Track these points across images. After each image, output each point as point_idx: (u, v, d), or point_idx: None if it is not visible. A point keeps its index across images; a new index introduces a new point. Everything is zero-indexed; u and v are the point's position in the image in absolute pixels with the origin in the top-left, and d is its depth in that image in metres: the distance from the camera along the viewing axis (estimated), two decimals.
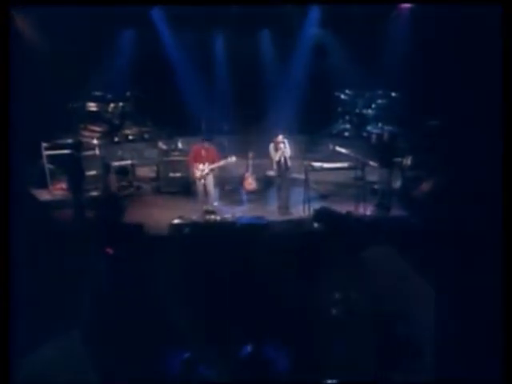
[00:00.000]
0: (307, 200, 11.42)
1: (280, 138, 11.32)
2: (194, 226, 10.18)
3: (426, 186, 11.38)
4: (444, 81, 13.69)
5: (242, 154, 12.57)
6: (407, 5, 15.02)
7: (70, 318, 6.40)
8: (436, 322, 6.05)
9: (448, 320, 6.17)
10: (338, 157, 12.10)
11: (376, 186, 11.78)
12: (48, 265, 7.19)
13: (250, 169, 12.70)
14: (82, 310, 6.67)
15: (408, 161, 11.65)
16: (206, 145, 11.40)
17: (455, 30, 13.06)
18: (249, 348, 6.06)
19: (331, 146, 11.97)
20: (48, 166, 12.57)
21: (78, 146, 11.45)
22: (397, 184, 11.95)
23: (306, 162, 11.71)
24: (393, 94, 15.98)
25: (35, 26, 13.81)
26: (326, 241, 8.88)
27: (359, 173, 11.45)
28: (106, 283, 7.31)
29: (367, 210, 11.21)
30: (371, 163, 11.50)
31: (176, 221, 10.38)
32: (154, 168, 13.73)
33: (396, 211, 11.26)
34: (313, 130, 15.98)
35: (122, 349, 6.11)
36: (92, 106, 15.77)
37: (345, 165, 11.73)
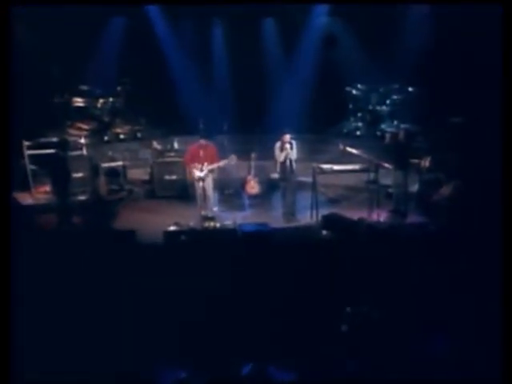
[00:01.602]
0: (315, 205, 11.40)
1: (287, 137, 11.30)
2: (192, 233, 10.15)
3: (446, 190, 11.35)
4: (465, 75, 13.73)
5: (243, 154, 12.56)
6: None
7: (55, 335, 6.43)
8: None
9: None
10: (349, 158, 12.06)
11: (391, 190, 11.75)
12: (29, 277, 7.15)
13: (253, 171, 12.68)
14: (67, 326, 6.66)
15: (426, 162, 11.61)
16: (204, 143, 11.38)
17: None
18: (251, 367, 6.02)
19: (341, 146, 11.92)
20: (30, 167, 12.55)
21: (64, 145, 11.44)
22: (414, 188, 11.91)
23: (313, 164, 11.69)
24: (410, 89, 15.97)
25: (18, 17, 13.89)
26: (335, 250, 8.86)
27: (372, 175, 11.40)
28: (94, 297, 7.26)
29: (381, 216, 11.18)
30: (385, 165, 11.44)
31: (172, 228, 10.34)
32: (148, 170, 13.72)
33: (413, 218, 11.23)
34: (321, 128, 15.99)
35: (112, 367, 6.09)
36: (79, 102, 15.79)
37: (356, 167, 11.69)
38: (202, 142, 11.40)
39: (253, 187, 12.62)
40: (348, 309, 6.81)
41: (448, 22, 13.63)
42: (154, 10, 15.69)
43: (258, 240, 9.78)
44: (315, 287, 7.58)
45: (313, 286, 7.63)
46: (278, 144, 11.40)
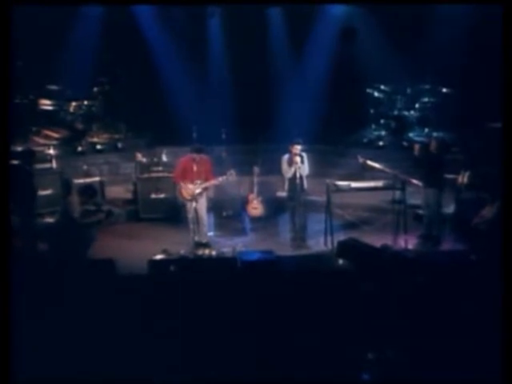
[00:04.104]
0: (329, 230, 11.42)
1: (297, 148, 11.33)
2: (182, 262, 10.04)
3: (488, 212, 11.27)
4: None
5: (244, 168, 12.63)
6: None
7: None
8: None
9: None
10: (370, 173, 12.11)
11: (421, 212, 11.77)
12: None
13: (256, 188, 12.74)
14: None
15: (464, 178, 11.62)
16: (198, 155, 11.41)
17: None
18: None
19: (361, 159, 11.96)
20: None
21: (29, 157, 11.44)
22: (449, 209, 11.91)
23: (327, 180, 11.71)
24: (444, 90, 16.01)
25: None
26: (354, 283, 8.79)
27: (398, 194, 11.40)
28: (67, 338, 7.25)
29: (409, 242, 11.17)
30: (414, 181, 11.49)
31: (159, 256, 10.40)
32: (130, 187, 13.77)
33: (448, 245, 11.20)
34: (337, 138, 16.04)
35: None
36: (47, 104, 15.82)
37: (379, 184, 11.69)
38: (195, 154, 11.43)
39: (255, 208, 12.67)
40: (370, 355, 6.80)
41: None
42: None
43: (262, 271, 9.68)
44: (329, 328, 7.47)
45: (326, 326, 7.52)
46: (285, 157, 11.42)
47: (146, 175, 13.42)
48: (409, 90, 16.33)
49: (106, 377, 6.68)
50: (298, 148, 11.32)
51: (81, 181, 13.21)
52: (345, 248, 10.26)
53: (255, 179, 12.74)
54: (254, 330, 7.55)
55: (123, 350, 7.14)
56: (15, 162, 11.62)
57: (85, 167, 13.94)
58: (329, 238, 11.39)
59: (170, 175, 12.54)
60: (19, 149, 12.20)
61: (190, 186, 11.33)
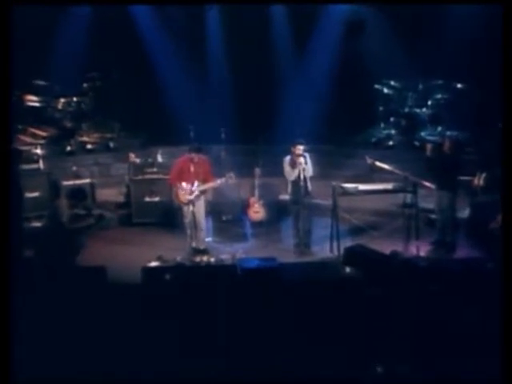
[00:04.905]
0: (335, 235, 11.40)
1: (300, 148, 11.31)
2: (178, 270, 10.07)
3: None
4: None
5: (245, 170, 12.63)
6: None
7: None
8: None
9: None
10: (379, 175, 12.08)
11: (434, 216, 11.76)
12: None
13: (257, 191, 12.73)
14: None
15: (480, 180, 11.59)
16: (195, 156, 11.38)
17: None
18: None
19: (369, 160, 11.95)
20: None
21: (14, 157, 11.43)
22: (464, 213, 11.89)
23: (333, 183, 11.67)
24: (458, 86, 15.97)
25: None
26: (361, 293, 8.77)
27: (409, 197, 11.38)
28: (50, 348, 7.23)
29: (421, 249, 11.15)
30: (426, 184, 11.47)
31: (153, 264, 10.38)
32: (123, 190, 13.74)
33: (463, 252, 11.18)
34: (343, 137, 16.02)
35: None
36: (34, 101, 15.80)
37: (388, 186, 11.67)
38: (193, 154, 11.39)
39: (257, 212, 12.65)
40: (379, 368, 6.79)
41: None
42: None
43: (263, 279, 9.67)
44: (335, 341, 7.49)
45: (332, 339, 7.54)
46: (287, 158, 11.42)
47: (139, 177, 13.39)
48: (420, 86, 16.30)
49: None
50: (300, 148, 11.31)
51: (70, 183, 13.21)
52: (352, 255, 10.26)
53: (256, 181, 12.73)
54: (256, 343, 7.54)
55: (117, 363, 7.12)
56: None
57: (74, 168, 13.91)
58: (335, 244, 11.37)
59: (166, 177, 12.50)
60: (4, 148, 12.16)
61: (187, 189, 11.29)
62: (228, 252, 11.30)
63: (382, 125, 16.62)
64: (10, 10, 10.12)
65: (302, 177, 11.31)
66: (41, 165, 13.00)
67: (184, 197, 11.33)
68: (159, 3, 15.74)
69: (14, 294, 7.28)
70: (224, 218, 13.02)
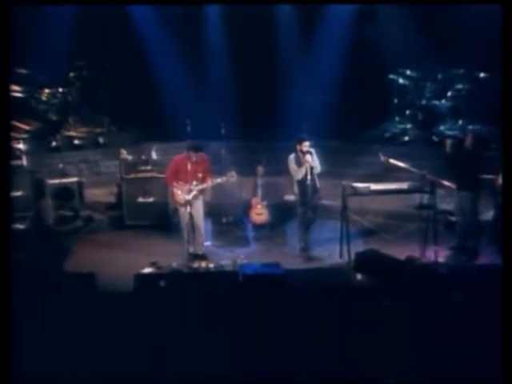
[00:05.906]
0: (346, 239, 11.38)
1: (306, 145, 11.30)
2: (175, 277, 10.08)
3: None
4: None
5: (246, 168, 12.64)
6: None
7: None
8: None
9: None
10: (394, 173, 12.06)
11: (454, 219, 11.72)
12: None
13: (260, 191, 12.75)
14: None
15: None
16: (193, 153, 11.34)
17: None
18: None
19: (382, 157, 11.95)
20: None
21: None
22: (487, 215, 11.84)
23: (343, 182, 11.64)
24: (481, 75, 15.91)
25: None
26: (374, 302, 8.77)
27: (426, 198, 11.38)
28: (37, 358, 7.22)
29: (439, 254, 11.11)
30: (446, 183, 11.47)
31: (147, 270, 10.39)
32: (114, 189, 13.74)
33: (486, 257, 11.13)
34: (353, 132, 16.02)
35: None
36: (15, 91, 15.75)
37: (404, 186, 11.63)
38: (191, 151, 11.36)
39: (260, 213, 12.71)
40: (392, 380, 6.81)
41: None
42: None
43: (267, 287, 9.67)
44: (345, 354, 7.50)
45: (342, 347, 7.56)
46: (292, 156, 11.41)
47: (132, 175, 13.41)
48: (439, 76, 16.27)
49: None
50: (306, 145, 11.29)
51: (56, 181, 13.22)
52: (364, 260, 10.27)
53: (259, 181, 12.80)
54: (259, 357, 7.53)
55: (107, 376, 7.13)
56: None
57: (60, 165, 13.98)
58: (345, 249, 11.35)
59: (161, 175, 12.55)
60: None
61: (184, 188, 11.26)
62: (228, 257, 11.32)
63: (397, 118, 16.65)
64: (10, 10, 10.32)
65: (309, 176, 11.28)
66: (24, 161, 13.02)
67: (181, 197, 11.30)
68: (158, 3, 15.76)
69: None
70: (224, 221, 13.08)
